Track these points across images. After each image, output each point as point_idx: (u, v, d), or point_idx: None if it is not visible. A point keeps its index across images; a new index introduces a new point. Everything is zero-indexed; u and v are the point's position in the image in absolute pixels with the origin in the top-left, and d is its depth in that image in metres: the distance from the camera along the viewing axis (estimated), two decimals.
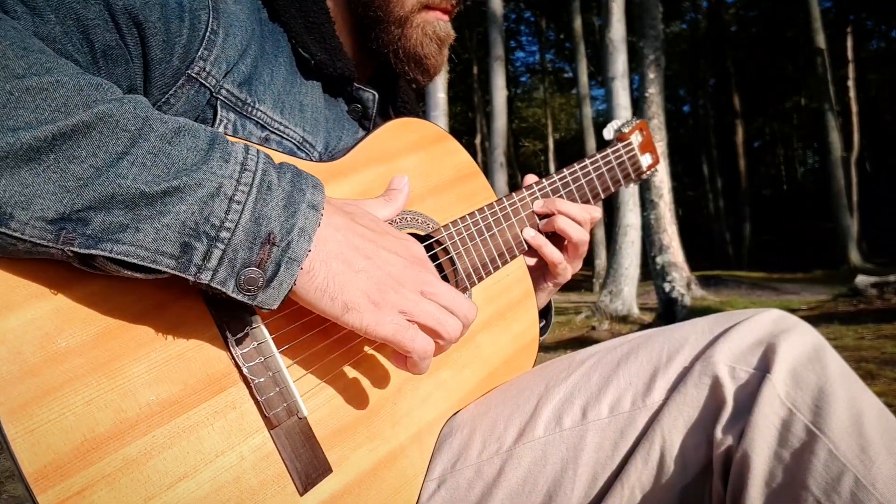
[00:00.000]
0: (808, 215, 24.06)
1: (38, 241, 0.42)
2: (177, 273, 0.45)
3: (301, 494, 0.53)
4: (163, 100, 0.60)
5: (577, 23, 14.27)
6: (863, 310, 5.91)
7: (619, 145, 1.01)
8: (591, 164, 0.95)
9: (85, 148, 0.42)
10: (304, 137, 0.70)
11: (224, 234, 0.45)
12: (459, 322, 0.57)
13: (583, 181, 0.93)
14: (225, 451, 0.49)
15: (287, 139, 0.68)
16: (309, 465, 0.54)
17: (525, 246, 0.84)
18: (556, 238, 0.88)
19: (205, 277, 0.45)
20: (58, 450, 0.42)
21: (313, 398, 0.57)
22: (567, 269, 0.88)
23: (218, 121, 0.63)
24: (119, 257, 0.43)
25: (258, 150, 0.50)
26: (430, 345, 0.55)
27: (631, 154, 1.02)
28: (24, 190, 0.41)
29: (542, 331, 0.93)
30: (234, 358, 0.52)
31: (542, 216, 0.87)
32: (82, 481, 0.42)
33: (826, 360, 0.59)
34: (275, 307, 0.48)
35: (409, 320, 0.54)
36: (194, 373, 0.49)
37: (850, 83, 17.88)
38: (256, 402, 0.52)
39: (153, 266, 0.44)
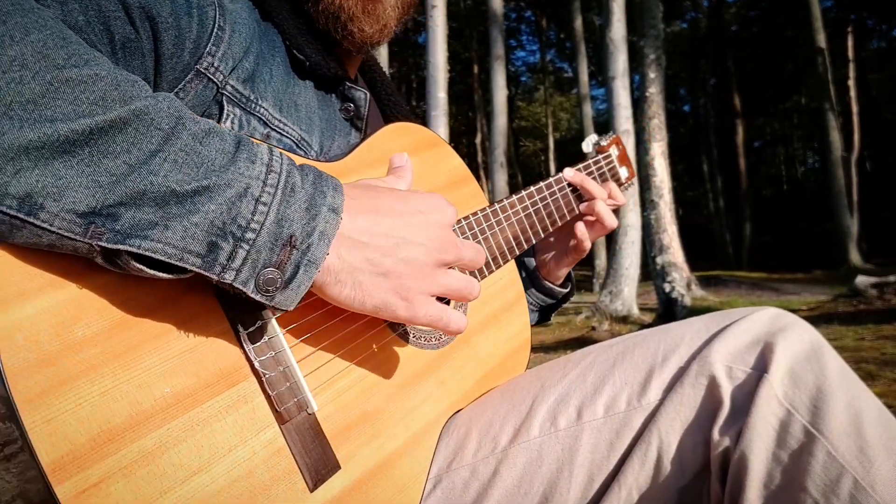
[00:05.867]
0: (809, 215, 24.08)
1: (66, 234, 0.41)
2: (202, 272, 0.45)
3: (311, 491, 0.53)
4: (171, 94, 0.60)
5: (578, 22, 14.27)
6: (863, 310, 5.91)
7: (600, 157, 1.04)
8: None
9: (120, 144, 0.42)
10: (301, 136, 0.71)
11: (249, 235, 0.45)
12: (477, 283, 0.60)
13: (567, 190, 0.94)
14: (237, 446, 0.49)
15: (286, 137, 0.69)
16: (318, 461, 0.54)
17: (517, 251, 0.85)
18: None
19: (228, 277, 0.45)
20: (74, 440, 0.41)
21: (322, 394, 0.57)
22: (587, 247, 0.96)
23: (225, 115, 0.63)
24: (147, 253, 0.43)
25: (281, 152, 0.50)
26: (463, 320, 0.58)
27: (611, 166, 1.05)
28: (57, 182, 0.41)
29: (568, 296, 1.03)
30: (245, 352, 0.52)
31: (575, 189, 0.95)
32: (99, 473, 0.42)
33: (824, 360, 0.59)
34: (291, 308, 0.49)
35: (441, 294, 0.56)
36: (207, 366, 0.49)
37: (851, 83, 17.87)
38: (268, 397, 0.52)
39: (180, 264, 0.44)
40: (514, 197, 0.87)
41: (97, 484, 0.42)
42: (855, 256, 13.15)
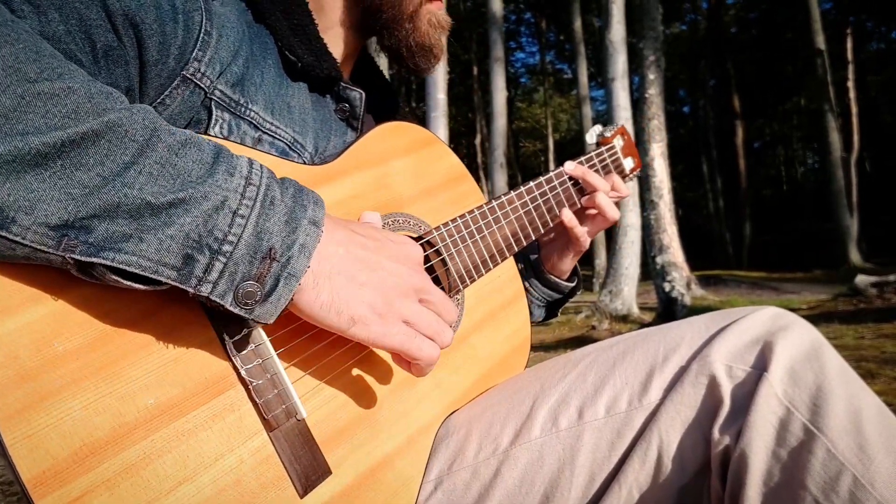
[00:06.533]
0: (808, 215, 24.04)
1: (39, 247, 0.41)
2: (177, 284, 0.45)
3: (301, 497, 0.52)
4: (158, 100, 0.60)
5: (577, 24, 14.26)
6: (863, 309, 5.91)
7: (603, 148, 1.02)
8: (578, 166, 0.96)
9: (93, 156, 0.42)
10: (294, 138, 0.70)
11: (226, 248, 0.45)
12: (450, 330, 0.58)
13: (568, 184, 0.93)
14: (224, 454, 0.49)
15: (279, 140, 0.69)
16: (308, 467, 0.54)
17: (515, 248, 0.85)
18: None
19: (205, 290, 0.45)
20: (56, 455, 0.41)
21: (311, 399, 0.57)
22: (588, 241, 0.95)
23: (213, 121, 0.63)
24: (121, 266, 0.43)
25: (262, 165, 0.50)
26: (436, 351, 0.56)
27: (614, 157, 1.04)
28: (29, 195, 0.40)
29: (574, 291, 1.02)
30: (232, 360, 0.51)
31: (577, 183, 0.94)
32: (81, 486, 0.42)
33: (824, 358, 0.59)
34: (271, 322, 0.48)
35: (411, 328, 0.55)
36: (192, 376, 0.49)
37: (850, 84, 17.86)
38: (255, 405, 0.52)
39: (154, 277, 0.44)
40: (513, 193, 0.86)
41: (79, 497, 0.42)
42: (855, 256, 13.14)
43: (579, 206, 0.94)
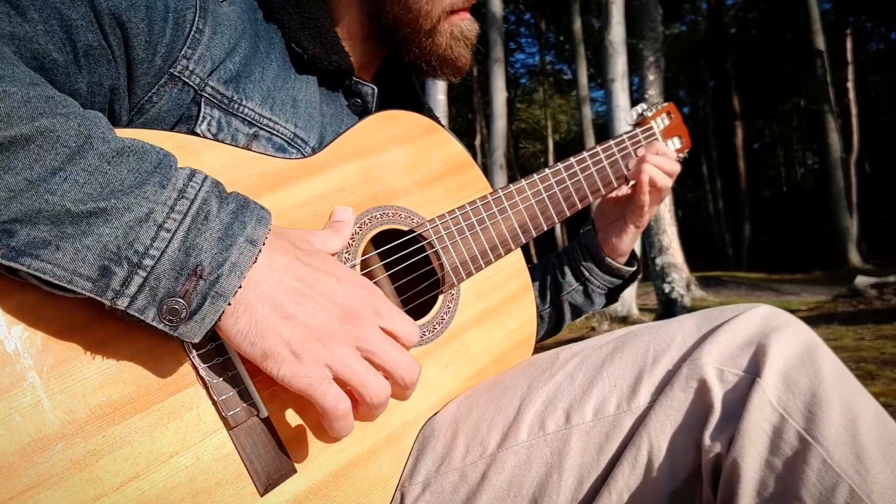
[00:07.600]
0: (808, 216, 24.05)
1: None
2: (92, 296, 0.44)
3: (262, 495, 0.52)
4: (146, 98, 0.61)
5: (577, 24, 14.26)
6: (862, 310, 5.90)
7: (638, 130, 0.98)
8: (604, 151, 0.92)
9: (21, 160, 0.42)
10: (295, 133, 0.70)
11: (147, 262, 0.44)
12: (387, 386, 0.53)
13: (592, 169, 0.90)
14: (180, 452, 0.49)
15: (277, 135, 0.68)
16: (270, 465, 0.53)
17: (522, 239, 0.82)
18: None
19: (121, 303, 0.44)
20: (3, 450, 0.42)
21: (279, 397, 0.56)
22: (648, 214, 0.96)
23: (201, 118, 0.63)
24: (36, 273, 0.42)
25: (205, 178, 0.48)
26: (341, 404, 0.50)
27: (652, 140, 0.98)
28: None
29: (635, 275, 1.02)
30: (190, 359, 0.51)
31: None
32: (27, 480, 0.43)
33: (819, 361, 0.57)
34: (195, 341, 0.47)
35: (334, 376, 0.51)
36: (149, 374, 0.49)
37: (850, 85, 17.88)
38: (214, 403, 0.52)
39: (69, 286, 0.43)
40: (524, 182, 0.83)
41: (24, 491, 0.42)
42: (854, 257, 13.13)
43: (614, 186, 0.92)
